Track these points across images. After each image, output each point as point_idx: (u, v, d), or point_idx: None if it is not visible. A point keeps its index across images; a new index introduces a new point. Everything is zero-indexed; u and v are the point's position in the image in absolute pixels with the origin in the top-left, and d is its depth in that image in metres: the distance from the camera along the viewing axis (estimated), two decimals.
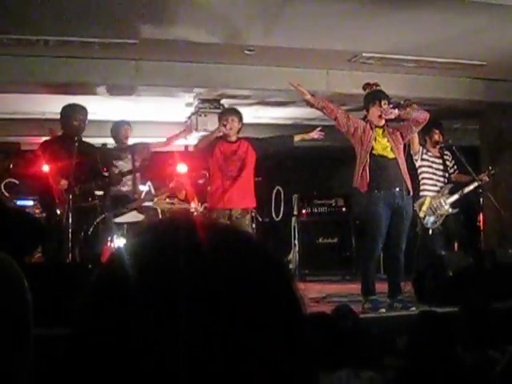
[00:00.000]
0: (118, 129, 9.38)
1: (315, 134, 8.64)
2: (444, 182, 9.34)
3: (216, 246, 0.87)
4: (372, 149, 7.63)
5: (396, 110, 7.65)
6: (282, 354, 0.84)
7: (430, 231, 9.13)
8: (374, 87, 7.83)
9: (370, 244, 7.70)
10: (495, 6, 7.51)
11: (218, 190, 8.37)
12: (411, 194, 7.81)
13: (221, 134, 8.41)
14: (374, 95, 7.76)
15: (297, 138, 8.73)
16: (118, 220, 8.68)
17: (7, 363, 1.14)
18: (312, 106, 7.89)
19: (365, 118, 7.83)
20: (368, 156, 7.60)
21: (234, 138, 8.48)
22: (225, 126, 8.36)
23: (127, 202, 8.92)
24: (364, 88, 7.93)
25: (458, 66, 10.01)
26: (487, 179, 9.34)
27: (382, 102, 7.63)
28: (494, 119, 11.62)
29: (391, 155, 7.65)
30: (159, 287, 0.82)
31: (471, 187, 9.28)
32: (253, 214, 8.97)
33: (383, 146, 7.66)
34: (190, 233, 0.89)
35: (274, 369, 0.83)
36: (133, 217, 8.83)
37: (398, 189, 7.58)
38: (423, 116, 7.73)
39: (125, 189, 9.10)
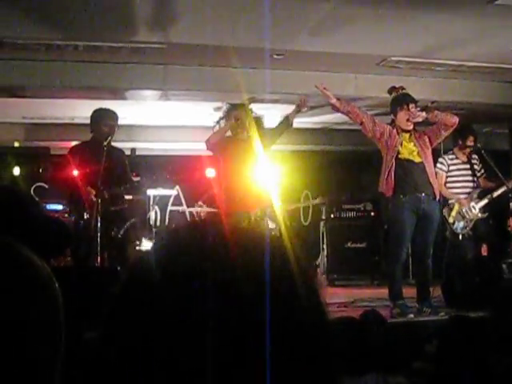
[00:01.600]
0: None
1: (301, 104, 8.45)
2: (472, 187, 9.28)
3: (243, 251, 0.87)
4: (398, 153, 7.59)
5: (423, 113, 7.59)
6: (306, 359, 0.84)
7: (460, 236, 9.07)
8: (400, 90, 7.78)
9: (395, 249, 7.67)
10: None
11: (235, 191, 8.14)
12: (437, 199, 7.76)
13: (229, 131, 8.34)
14: (401, 99, 7.70)
15: (290, 116, 8.55)
16: None
17: (40, 366, 1.14)
18: (338, 110, 7.83)
19: (392, 123, 7.79)
20: (394, 160, 7.57)
21: (246, 136, 8.31)
22: (237, 122, 8.27)
23: None
24: (390, 92, 7.88)
25: (487, 69, 9.95)
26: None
27: (410, 106, 7.58)
28: None
29: (418, 159, 7.60)
30: (185, 292, 0.82)
31: (500, 191, 9.21)
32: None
33: (409, 150, 7.62)
34: (217, 237, 0.88)
35: (298, 374, 0.82)
36: None
37: (423, 194, 7.53)
38: (453, 120, 7.66)
39: None
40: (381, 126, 7.70)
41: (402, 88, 7.79)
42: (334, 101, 7.74)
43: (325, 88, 7.82)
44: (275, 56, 9.10)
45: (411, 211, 7.53)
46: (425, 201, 7.53)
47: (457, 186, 9.28)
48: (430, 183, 7.61)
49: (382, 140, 7.66)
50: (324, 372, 0.86)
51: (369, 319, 4.57)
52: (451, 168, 9.29)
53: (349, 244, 12.37)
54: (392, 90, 7.86)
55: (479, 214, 9.16)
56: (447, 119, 7.63)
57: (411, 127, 7.64)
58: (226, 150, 8.23)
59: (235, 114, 8.38)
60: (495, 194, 9.23)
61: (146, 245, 8.42)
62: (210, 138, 8.38)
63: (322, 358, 0.86)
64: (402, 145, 7.61)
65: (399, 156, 7.58)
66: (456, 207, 9.12)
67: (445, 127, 7.69)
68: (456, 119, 7.68)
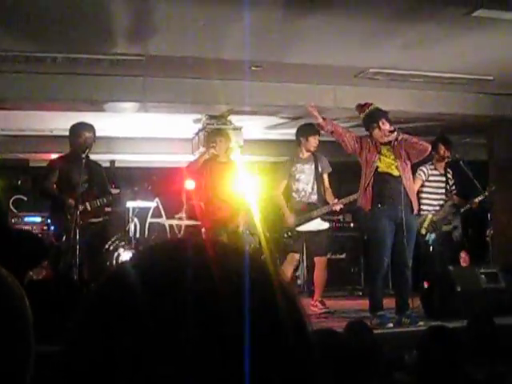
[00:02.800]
0: None
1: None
2: (445, 200, 9.35)
3: (221, 264, 0.86)
4: (376, 168, 7.60)
5: (394, 134, 7.59)
6: (288, 371, 0.83)
7: (431, 248, 9.12)
8: (367, 109, 7.75)
9: (376, 259, 7.68)
10: (502, 20, 7.52)
11: (212, 207, 8.79)
12: (415, 212, 7.77)
13: (208, 155, 8.86)
14: (371, 117, 7.68)
15: None
16: (300, 228, 8.98)
17: (8, 379, 1.13)
18: (322, 128, 7.93)
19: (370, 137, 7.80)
20: (372, 175, 7.59)
21: (223, 159, 8.93)
22: (214, 147, 8.77)
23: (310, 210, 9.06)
24: (358, 111, 7.87)
25: (465, 80, 10.01)
26: (476, 203, 9.34)
27: (381, 122, 7.59)
28: (502, 133, 11.59)
29: (396, 173, 7.60)
30: (163, 307, 0.81)
31: (467, 206, 9.32)
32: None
33: (388, 163, 7.63)
34: (198, 252, 0.88)
35: None
36: (318, 225, 9.06)
37: (401, 206, 7.55)
38: (423, 147, 7.62)
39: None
40: (362, 141, 7.71)
41: (369, 104, 7.78)
42: (320, 120, 7.82)
43: (313, 107, 7.90)
44: (253, 68, 9.11)
45: (389, 220, 7.54)
46: (402, 209, 7.54)
47: (432, 198, 9.34)
48: (408, 196, 7.62)
49: (362, 154, 7.68)
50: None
51: (355, 330, 4.57)
52: (430, 178, 9.35)
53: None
54: (360, 109, 7.85)
55: (451, 225, 9.24)
56: (418, 146, 7.66)
57: (386, 141, 7.64)
58: (204, 170, 8.82)
59: (213, 141, 8.92)
60: (467, 207, 9.32)
61: (126, 257, 8.38)
62: (190, 166, 9.00)
63: (305, 371, 0.86)
64: (380, 159, 7.62)
65: (378, 170, 7.59)
66: (428, 219, 9.18)
67: (418, 153, 7.69)
68: (428, 146, 7.70)
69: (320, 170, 9.04)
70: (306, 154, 9.07)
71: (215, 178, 8.80)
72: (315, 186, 9.01)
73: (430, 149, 7.75)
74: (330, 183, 9.14)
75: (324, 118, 7.87)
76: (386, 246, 7.53)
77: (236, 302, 0.82)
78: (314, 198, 9.03)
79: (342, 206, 9.02)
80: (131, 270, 0.86)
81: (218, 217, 8.65)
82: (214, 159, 8.90)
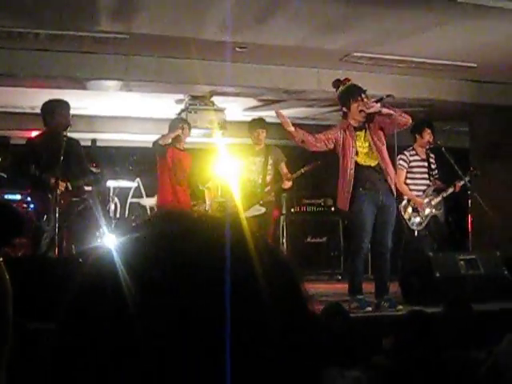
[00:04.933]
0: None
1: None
2: (428, 184, 9.34)
3: (219, 242, 0.84)
4: (355, 162, 7.55)
5: (378, 104, 7.52)
6: (290, 354, 0.82)
7: (416, 232, 9.13)
8: (347, 82, 7.70)
9: (356, 241, 7.68)
10: (486, 7, 7.53)
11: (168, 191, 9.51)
12: (394, 195, 7.76)
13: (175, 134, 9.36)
14: (352, 90, 7.59)
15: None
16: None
17: None
18: (293, 138, 7.63)
19: (342, 125, 7.71)
20: (350, 169, 7.53)
21: (182, 147, 9.56)
22: (182, 129, 9.38)
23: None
24: (336, 86, 7.76)
25: (448, 67, 10.02)
26: (459, 186, 9.34)
27: (363, 96, 7.54)
28: (484, 121, 11.64)
29: (374, 162, 7.60)
30: (151, 285, 0.79)
31: (450, 191, 9.32)
32: None
33: (364, 154, 7.59)
34: (189, 228, 0.87)
35: (281, 370, 0.80)
36: (255, 210, 9.42)
37: (381, 190, 7.56)
38: (404, 119, 7.56)
39: None
40: (334, 136, 7.60)
41: (348, 80, 7.72)
42: (291, 129, 7.56)
43: (281, 115, 7.71)
44: (238, 49, 9.09)
45: (371, 203, 7.54)
46: (383, 193, 7.56)
47: (414, 183, 9.33)
48: (387, 181, 7.62)
49: (338, 148, 7.62)
50: (308, 367, 0.84)
51: (331, 313, 4.58)
52: (411, 164, 9.34)
53: (309, 239, 12.41)
54: (338, 83, 7.74)
55: (434, 210, 9.24)
56: (400, 118, 7.54)
57: (364, 119, 7.58)
58: (165, 156, 9.38)
59: (182, 126, 9.44)
60: (447, 193, 9.32)
61: (107, 237, 8.37)
62: (159, 140, 9.37)
63: (307, 354, 0.84)
64: (357, 153, 7.56)
65: (356, 163, 7.55)
66: (411, 203, 9.19)
67: (397, 125, 7.60)
68: (409, 119, 7.59)
69: (271, 162, 9.67)
70: (257, 147, 9.73)
71: (175, 164, 9.38)
72: (263, 178, 9.65)
73: (410, 122, 7.70)
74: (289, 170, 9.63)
75: (295, 127, 7.62)
76: (367, 230, 7.53)
77: (235, 279, 0.80)
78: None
79: (290, 184, 9.55)
80: (117, 253, 0.85)
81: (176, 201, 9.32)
82: (174, 145, 9.39)
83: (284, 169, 9.66)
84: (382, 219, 7.57)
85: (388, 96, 7.77)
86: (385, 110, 7.49)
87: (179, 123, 9.51)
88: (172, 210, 0.92)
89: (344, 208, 7.69)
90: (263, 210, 9.51)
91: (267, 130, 9.74)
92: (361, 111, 7.49)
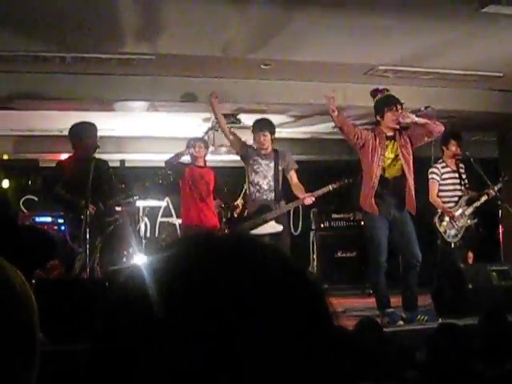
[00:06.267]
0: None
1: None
2: (460, 195, 9.29)
3: (245, 260, 0.85)
4: (381, 172, 7.55)
5: (414, 116, 7.57)
6: (314, 368, 0.82)
7: (452, 245, 9.07)
8: (385, 92, 7.74)
9: (373, 257, 7.68)
10: (511, 16, 7.48)
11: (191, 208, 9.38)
12: (407, 207, 7.69)
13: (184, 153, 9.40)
14: (388, 99, 7.66)
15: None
16: (256, 231, 8.41)
17: (11, 375, 1.13)
18: (334, 122, 7.82)
19: (377, 126, 7.75)
20: (375, 177, 7.54)
21: (201, 164, 9.52)
22: (194, 148, 9.32)
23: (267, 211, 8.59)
24: (373, 94, 7.82)
25: (474, 77, 9.98)
26: (493, 193, 9.27)
27: (398, 106, 7.56)
28: None
29: (395, 173, 7.62)
30: (176, 307, 0.80)
31: (486, 198, 9.26)
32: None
33: (388, 164, 7.61)
34: (217, 249, 0.87)
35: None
36: (271, 227, 8.52)
37: (392, 204, 7.56)
38: (438, 128, 7.63)
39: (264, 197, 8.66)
40: (365, 135, 7.64)
41: (387, 90, 7.76)
42: (335, 113, 7.66)
43: (333, 97, 7.72)
44: (263, 66, 9.11)
45: (382, 216, 7.57)
46: (393, 207, 7.58)
47: (447, 195, 9.28)
48: (402, 194, 7.61)
49: (365, 151, 7.63)
50: (332, 379, 0.84)
51: (365, 327, 4.56)
52: (443, 177, 9.30)
53: (339, 253, 12.37)
54: (376, 92, 7.80)
55: (469, 221, 9.18)
56: (434, 127, 7.60)
57: (397, 128, 7.60)
58: (183, 175, 9.43)
59: (194, 144, 9.40)
60: (480, 202, 9.26)
61: (137, 257, 8.39)
62: (171, 159, 9.46)
63: (330, 367, 0.84)
64: (384, 161, 7.58)
65: (381, 174, 7.57)
66: (447, 215, 9.13)
67: (429, 134, 7.67)
68: (442, 128, 7.67)
69: (281, 168, 8.65)
70: (263, 151, 8.67)
71: (196, 181, 9.36)
72: (273, 184, 8.58)
73: (442, 130, 7.73)
74: (299, 179, 8.70)
75: (339, 112, 7.75)
76: (382, 243, 7.53)
77: (260, 297, 0.81)
78: (271, 196, 8.59)
79: (313, 200, 8.51)
80: (147, 272, 0.86)
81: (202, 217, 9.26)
82: (193, 163, 9.48)
83: (294, 178, 8.65)
84: (400, 231, 7.58)
85: (427, 108, 7.84)
86: (420, 120, 7.54)
87: (191, 142, 9.50)
88: (199, 230, 0.93)
89: (364, 207, 7.75)
90: (280, 228, 8.52)
91: (272, 133, 8.66)
92: (397, 121, 7.50)
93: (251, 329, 0.79)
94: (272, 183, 8.55)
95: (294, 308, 0.83)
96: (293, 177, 8.68)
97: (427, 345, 4.36)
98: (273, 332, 0.79)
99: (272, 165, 8.59)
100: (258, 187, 8.57)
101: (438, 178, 9.27)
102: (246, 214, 8.90)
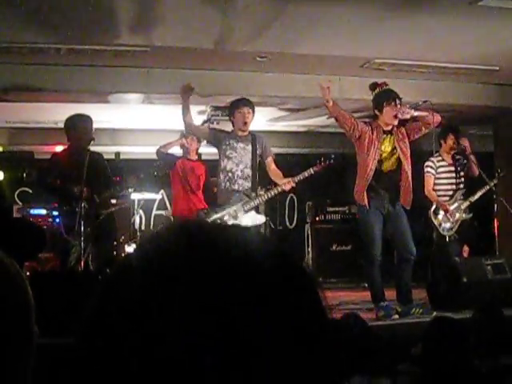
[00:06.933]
0: None
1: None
2: (456, 189, 9.29)
3: (233, 248, 0.84)
4: (376, 165, 7.54)
5: (413, 111, 7.56)
6: (306, 361, 0.80)
7: (447, 238, 9.07)
8: (384, 86, 7.73)
9: (368, 250, 7.68)
10: (508, 10, 7.48)
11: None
12: (409, 201, 7.69)
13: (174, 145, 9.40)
14: (387, 94, 7.63)
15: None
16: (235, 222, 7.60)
17: (7, 367, 1.12)
18: (329, 112, 7.76)
19: (374, 120, 7.74)
20: (370, 170, 7.53)
21: (193, 157, 9.50)
22: (186, 139, 9.29)
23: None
24: (372, 88, 7.78)
25: (470, 71, 9.97)
26: (495, 182, 9.33)
27: (397, 101, 7.55)
28: (509, 125, 11.55)
29: (391, 167, 7.62)
30: (167, 295, 0.78)
31: (482, 192, 9.28)
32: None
33: (384, 157, 7.60)
34: (202, 236, 0.86)
35: (296, 377, 0.79)
36: (252, 219, 7.90)
37: (386, 198, 7.57)
38: (436, 119, 7.64)
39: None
40: (361, 127, 7.60)
41: (386, 84, 7.75)
42: (330, 103, 7.56)
43: (328, 87, 7.55)
44: (258, 58, 9.09)
45: (376, 211, 7.59)
46: (388, 201, 7.59)
47: (442, 189, 9.28)
48: (398, 188, 7.62)
49: (360, 144, 7.61)
50: (323, 374, 0.83)
51: (350, 322, 4.55)
52: (439, 170, 9.29)
53: (334, 247, 12.38)
54: (375, 85, 7.77)
55: (464, 215, 9.18)
56: (431, 118, 7.59)
57: (395, 123, 7.59)
58: (174, 166, 9.43)
59: (188, 136, 9.28)
60: (477, 195, 9.27)
61: (131, 249, 8.40)
62: (161, 148, 9.48)
63: (322, 361, 0.83)
64: (381, 155, 7.58)
65: (377, 167, 7.56)
66: (442, 209, 9.14)
67: (427, 125, 7.68)
68: (439, 118, 7.67)
69: (258, 152, 8.00)
70: (240, 133, 8.00)
71: (186, 173, 9.32)
72: (249, 171, 7.92)
73: (440, 120, 7.76)
74: (279, 168, 8.15)
75: (334, 102, 7.61)
76: (376, 238, 7.54)
77: (248, 285, 0.79)
78: (246, 184, 7.90)
79: (293, 185, 7.88)
80: (137, 261, 0.85)
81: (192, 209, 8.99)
82: (185, 156, 9.47)
83: (272, 165, 8.07)
84: (395, 225, 7.60)
85: (425, 102, 7.84)
86: (418, 113, 7.55)
87: (183, 134, 9.42)
88: (188, 219, 0.92)
89: (358, 200, 7.70)
90: (262, 219, 8.14)
91: (254, 111, 8.04)
92: (395, 116, 7.49)
93: (247, 323, 0.78)
94: (248, 170, 7.89)
95: (290, 300, 0.82)
96: (270, 163, 8.09)
97: (422, 338, 4.36)
98: (268, 325, 0.78)
99: (249, 148, 7.94)
100: (230, 174, 7.86)
101: (433, 172, 9.26)
102: (217, 204, 8.04)
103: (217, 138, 8.12)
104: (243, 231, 0.91)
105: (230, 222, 7.30)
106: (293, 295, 0.83)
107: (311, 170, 8.02)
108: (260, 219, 8.04)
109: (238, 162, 7.88)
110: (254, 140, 8.00)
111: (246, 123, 7.92)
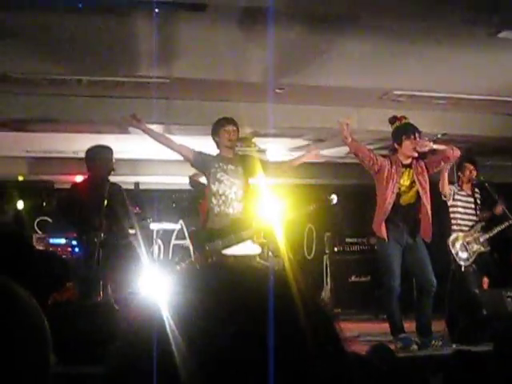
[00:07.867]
0: None
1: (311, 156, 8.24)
2: (476, 220, 9.26)
3: (263, 291, 0.85)
4: (395, 199, 7.54)
5: (431, 143, 7.57)
6: None
7: (463, 268, 9.02)
8: (403, 120, 7.75)
9: (385, 283, 7.65)
10: None
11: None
12: (421, 233, 7.67)
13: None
14: (406, 128, 7.64)
15: (294, 161, 8.26)
16: (230, 252, 7.40)
17: None
18: (349, 148, 7.82)
19: (393, 154, 7.75)
20: (388, 204, 7.52)
21: None
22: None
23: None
24: (391, 122, 7.81)
25: (488, 102, 9.96)
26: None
27: (416, 135, 7.55)
28: None
29: (410, 200, 7.62)
30: (202, 341, 0.80)
31: (502, 227, 9.22)
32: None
33: (403, 191, 7.59)
34: (234, 283, 0.88)
35: None
36: (249, 249, 7.62)
37: (405, 230, 7.55)
38: (455, 153, 7.64)
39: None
40: (381, 162, 7.60)
41: (405, 117, 7.77)
42: (348, 140, 7.56)
43: (347, 124, 7.54)
44: (277, 90, 9.13)
45: (395, 242, 7.56)
46: (407, 233, 7.57)
47: (461, 218, 9.25)
48: (416, 221, 7.61)
49: (380, 176, 7.61)
50: None
51: (378, 354, 4.53)
52: (456, 197, 9.25)
53: (353, 278, 12.32)
54: (394, 119, 7.80)
55: (482, 248, 9.14)
56: (451, 152, 7.60)
57: (414, 156, 7.59)
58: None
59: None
60: (498, 228, 9.22)
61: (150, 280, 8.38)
62: (194, 176, 9.42)
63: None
64: (400, 189, 7.58)
65: (395, 201, 7.56)
66: (460, 238, 9.10)
67: (446, 159, 7.69)
68: (458, 152, 7.66)
69: (248, 172, 7.70)
70: (227, 153, 7.77)
71: None
72: (242, 193, 7.64)
73: (459, 154, 7.74)
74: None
75: (353, 139, 7.61)
76: (395, 268, 7.52)
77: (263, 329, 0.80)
78: (239, 207, 7.62)
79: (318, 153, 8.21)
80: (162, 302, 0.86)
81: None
82: None
83: (278, 163, 8.13)
84: (414, 257, 7.58)
85: (443, 135, 7.86)
86: (437, 147, 7.56)
87: None
88: (220, 261, 0.94)
89: (377, 232, 7.69)
90: (257, 250, 7.91)
91: (239, 130, 7.82)
92: (414, 150, 7.50)
93: (264, 360, 0.78)
94: (242, 191, 7.62)
95: (306, 336, 0.82)
96: (279, 165, 8.32)
97: (443, 371, 4.33)
98: (286, 360, 0.79)
99: (240, 169, 7.65)
100: (223, 198, 7.56)
101: (450, 192, 9.21)
102: (209, 230, 7.64)
103: (204, 161, 7.86)
104: (259, 272, 0.93)
105: (228, 250, 7.34)
106: (312, 331, 0.84)
107: (311, 207, 7.98)
108: (255, 250, 7.80)
109: (231, 185, 7.60)
110: (243, 161, 7.80)
111: (231, 140, 7.72)
